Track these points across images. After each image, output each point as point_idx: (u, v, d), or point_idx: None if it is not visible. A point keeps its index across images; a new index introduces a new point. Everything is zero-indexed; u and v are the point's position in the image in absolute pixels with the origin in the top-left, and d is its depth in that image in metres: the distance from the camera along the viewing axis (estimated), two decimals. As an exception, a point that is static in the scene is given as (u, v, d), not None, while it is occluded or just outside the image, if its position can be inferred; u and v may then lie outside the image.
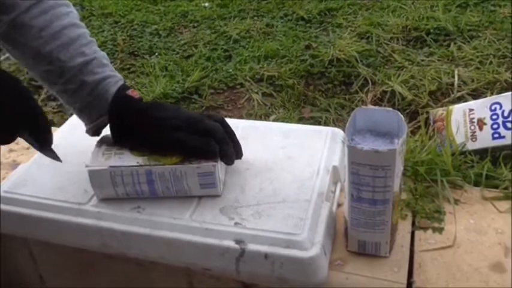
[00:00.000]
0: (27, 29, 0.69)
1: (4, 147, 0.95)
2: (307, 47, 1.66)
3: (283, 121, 1.27)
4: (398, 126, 0.61)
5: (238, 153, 0.74)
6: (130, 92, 0.73)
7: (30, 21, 0.69)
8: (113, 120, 0.72)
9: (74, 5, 0.76)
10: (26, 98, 0.64)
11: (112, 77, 0.74)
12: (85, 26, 0.76)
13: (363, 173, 0.59)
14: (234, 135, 0.73)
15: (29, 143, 0.67)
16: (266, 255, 0.63)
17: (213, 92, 1.50)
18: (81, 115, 0.75)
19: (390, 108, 0.63)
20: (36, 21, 0.69)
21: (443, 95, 1.32)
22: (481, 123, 0.96)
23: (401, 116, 0.61)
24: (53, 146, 0.69)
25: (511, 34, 1.55)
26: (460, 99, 1.27)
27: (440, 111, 1.08)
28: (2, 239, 0.84)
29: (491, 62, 1.42)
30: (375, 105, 1.33)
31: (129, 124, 0.72)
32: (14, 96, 0.62)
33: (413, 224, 0.72)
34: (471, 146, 0.94)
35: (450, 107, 1.05)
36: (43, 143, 0.68)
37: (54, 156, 0.70)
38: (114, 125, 0.73)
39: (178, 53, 1.78)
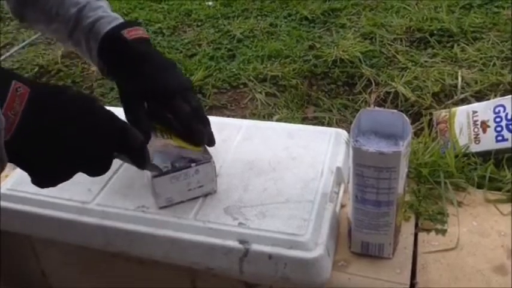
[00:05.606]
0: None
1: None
2: (311, 47, 1.66)
3: (286, 121, 1.27)
4: (403, 128, 0.61)
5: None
6: (126, 32, 0.70)
7: None
8: (107, 62, 0.71)
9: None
10: (113, 119, 0.58)
11: (104, 17, 0.71)
12: None
13: (367, 175, 0.59)
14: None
15: (126, 162, 0.63)
16: (270, 256, 0.63)
17: (216, 92, 1.50)
18: (98, 64, 0.73)
19: (395, 110, 0.63)
20: None
21: (447, 96, 1.31)
22: (484, 125, 0.95)
23: (406, 118, 0.61)
24: None
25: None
26: (464, 101, 1.26)
27: (443, 113, 1.08)
28: (5, 236, 0.84)
29: (494, 64, 1.41)
30: (378, 106, 1.33)
31: (120, 69, 0.70)
32: (103, 119, 0.57)
33: (416, 225, 0.72)
34: (474, 148, 0.94)
35: (453, 109, 1.05)
36: (139, 162, 0.62)
37: (155, 169, 0.66)
38: (108, 66, 0.72)
39: (181, 51, 1.77)
